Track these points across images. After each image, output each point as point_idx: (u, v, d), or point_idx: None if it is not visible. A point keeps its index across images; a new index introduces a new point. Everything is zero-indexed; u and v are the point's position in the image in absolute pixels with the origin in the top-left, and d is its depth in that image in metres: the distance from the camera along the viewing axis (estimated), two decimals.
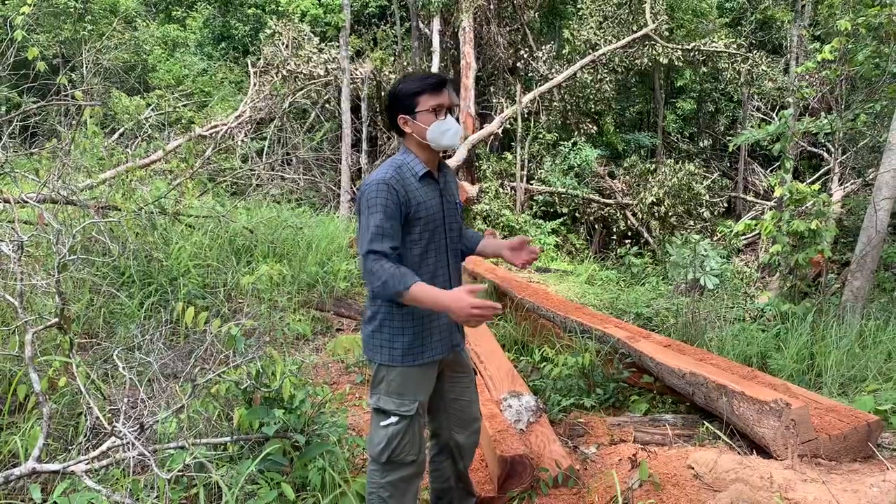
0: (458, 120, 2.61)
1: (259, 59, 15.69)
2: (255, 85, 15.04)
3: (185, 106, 15.41)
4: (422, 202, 2.53)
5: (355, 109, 15.68)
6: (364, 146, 15.86)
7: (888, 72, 8.46)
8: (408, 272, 2.38)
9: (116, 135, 13.23)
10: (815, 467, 3.09)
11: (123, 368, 3.14)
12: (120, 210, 5.98)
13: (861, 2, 8.79)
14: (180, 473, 2.70)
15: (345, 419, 3.74)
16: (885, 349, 5.49)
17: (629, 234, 15.67)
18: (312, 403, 3.41)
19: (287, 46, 15.40)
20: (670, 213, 15.00)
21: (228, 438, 3.07)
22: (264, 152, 14.22)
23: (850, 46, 8.54)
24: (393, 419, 2.56)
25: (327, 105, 16.20)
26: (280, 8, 16.80)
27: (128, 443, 2.62)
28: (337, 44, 15.17)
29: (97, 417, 2.92)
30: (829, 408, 3.64)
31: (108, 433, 2.81)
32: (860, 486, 2.81)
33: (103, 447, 2.72)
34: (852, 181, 13.73)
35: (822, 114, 11.80)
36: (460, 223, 2.74)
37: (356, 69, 15.78)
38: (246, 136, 14.30)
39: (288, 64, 15.15)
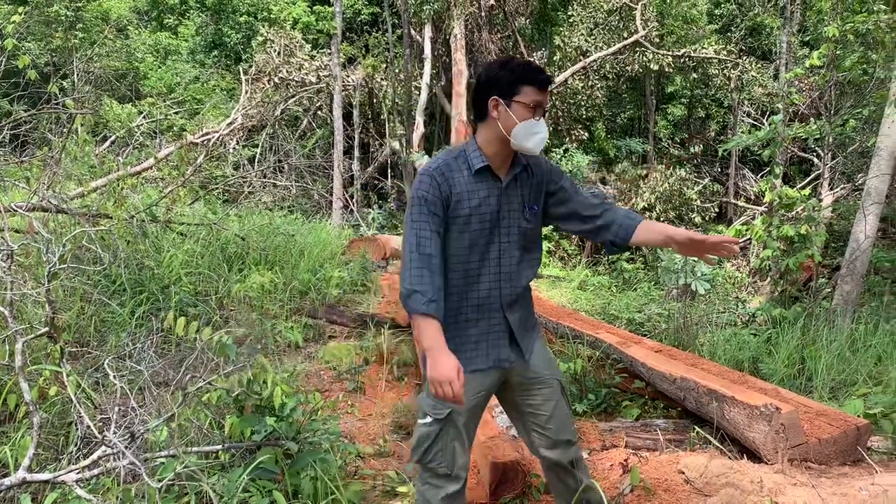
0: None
1: (251, 66, 15.70)
2: (246, 92, 15.05)
3: (176, 113, 15.41)
4: (466, 198, 2.32)
5: (347, 116, 15.71)
6: (356, 153, 15.89)
7: (876, 77, 8.53)
8: (436, 297, 2.22)
9: (108, 143, 13.24)
10: (804, 471, 3.10)
11: (114, 377, 3.13)
12: (111, 218, 5.97)
13: (849, 8, 8.88)
14: (171, 482, 2.70)
15: (337, 426, 3.74)
16: (875, 353, 5.52)
17: None
18: (304, 411, 3.41)
19: (279, 54, 15.43)
20: (662, 219, 15.05)
21: (220, 447, 3.06)
22: (256, 159, 14.23)
23: (838, 52, 8.62)
24: (427, 419, 2.43)
25: (319, 112, 16.25)
26: (272, 15, 16.82)
27: (118, 452, 2.61)
28: (328, 51, 15.21)
29: (88, 426, 2.92)
30: (819, 412, 3.66)
31: (98, 442, 2.80)
32: (849, 489, 2.82)
33: (94, 456, 2.72)
34: (842, 186, 13.82)
35: (812, 119, 11.89)
36: (526, 229, 2.44)
37: (348, 76, 15.82)
38: (238, 143, 14.31)
39: (280, 71, 15.18)
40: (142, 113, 14.38)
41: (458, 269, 2.38)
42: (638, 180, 16.15)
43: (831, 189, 13.71)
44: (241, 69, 15.80)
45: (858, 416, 3.90)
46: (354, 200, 15.37)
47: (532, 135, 2.28)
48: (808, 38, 16.65)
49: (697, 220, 15.39)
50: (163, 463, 2.81)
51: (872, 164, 7.17)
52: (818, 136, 10.03)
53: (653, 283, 10.57)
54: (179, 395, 3.06)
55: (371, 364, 5.70)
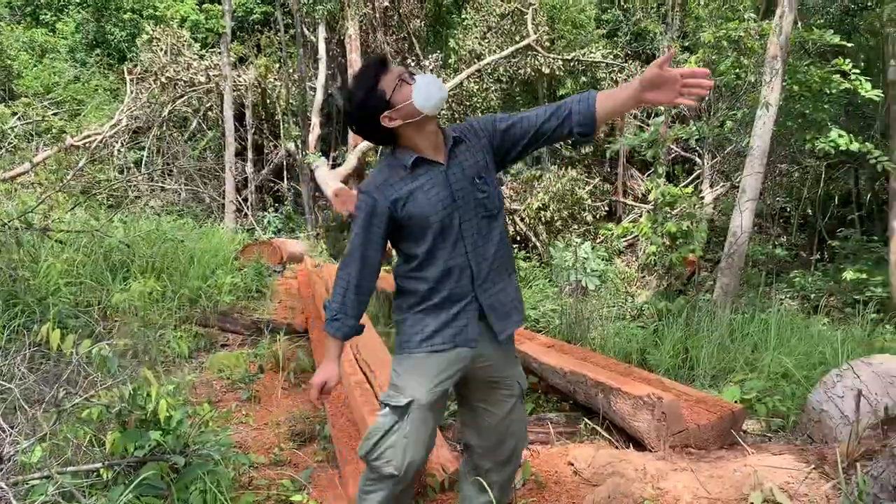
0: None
1: (136, 65, 15.07)
2: (132, 92, 14.44)
3: (55, 115, 14.59)
4: (411, 199, 2.24)
5: (240, 117, 15.32)
6: (249, 154, 15.52)
7: (747, 81, 9.05)
8: (339, 316, 2.36)
9: None
10: (685, 457, 3.26)
11: None
12: None
13: (722, 16, 9.39)
14: None
15: (228, 437, 3.63)
16: (752, 341, 5.84)
17: (518, 238, 16.03)
18: (192, 423, 3.29)
19: (166, 52, 14.88)
20: (556, 218, 15.43)
21: (100, 464, 2.92)
22: (143, 162, 13.67)
23: (713, 57, 9.10)
24: (385, 410, 2.35)
25: (210, 113, 15.76)
26: (158, 13, 16.20)
27: None
28: (219, 50, 14.78)
29: None
30: (699, 399, 3.85)
31: None
32: (725, 471, 2.98)
33: None
34: (722, 184, 14.58)
35: (692, 121, 12.49)
36: (483, 200, 2.34)
37: (239, 76, 15.42)
38: (123, 146, 13.70)
39: (167, 70, 14.63)
40: (16, 114, 13.53)
41: (425, 267, 2.32)
42: (532, 181, 16.51)
43: (712, 187, 14.45)
44: (125, 68, 15.13)
45: (735, 401, 4.13)
46: (249, 204, 15.01)
47: (426, 87, 2.20)
48: (687, 44, 17.47)
49: (589, 218, 15.87)
50: (34, 486, 2.65)
51: (747, 164, 7.60)
52: (698, 137, 10.54)
53: (548, 280, 10.82)
54: (54, 412, 2.90)
55: (266, 372, 5.57)
